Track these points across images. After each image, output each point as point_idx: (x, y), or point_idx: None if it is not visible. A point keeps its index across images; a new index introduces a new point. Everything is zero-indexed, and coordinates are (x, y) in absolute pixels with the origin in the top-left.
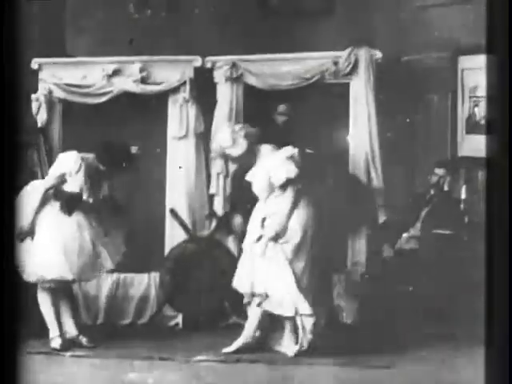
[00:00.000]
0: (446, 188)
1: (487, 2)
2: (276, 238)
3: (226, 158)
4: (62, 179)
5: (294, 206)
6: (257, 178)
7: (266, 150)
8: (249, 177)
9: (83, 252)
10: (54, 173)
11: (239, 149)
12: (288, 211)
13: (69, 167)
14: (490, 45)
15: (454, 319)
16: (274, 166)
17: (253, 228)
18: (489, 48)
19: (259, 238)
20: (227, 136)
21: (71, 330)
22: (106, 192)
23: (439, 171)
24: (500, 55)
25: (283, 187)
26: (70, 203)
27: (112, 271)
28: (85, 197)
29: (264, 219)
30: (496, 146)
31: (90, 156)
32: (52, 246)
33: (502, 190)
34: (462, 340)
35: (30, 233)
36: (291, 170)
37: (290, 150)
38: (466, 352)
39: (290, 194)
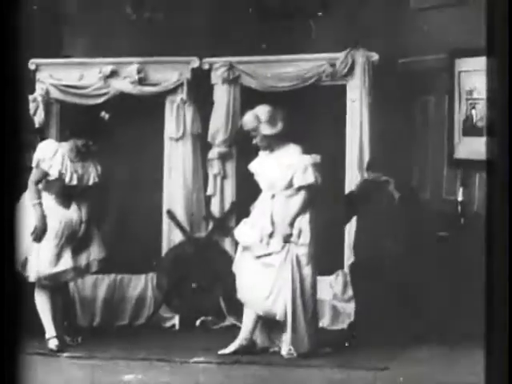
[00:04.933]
0: (395, 195)
1: (487, 4)
2: (288, 237)
3: (251, 135)
4: (40, 168)
5: (305, 208)
6: (272, 172)
7: (293, 149)
8: (256, 167)
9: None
10: (34, 164)
11: (274, 129)
12: (298, 212)
13: (42, 153)
14: (490, 47)
15: (453, 320)
16: (301, 168)
17: (260, 223)
18: (489, 50)
19: (271, 235)
20: (267, 112)
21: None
22: (96, 179)
23: (372, 175)
24: (500, 57)
25: (299, 189)
26: (60, 191)
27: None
28: (67, 180)
29: (272, 216)
30: (496, 149)
31: (69, 142)
32: (46, 241)
33: (502, 193)
34: (462, 340)
35: (44, 229)
36: (317, 177)
37: (316, 157)
38: (466, 352)
39: (301, 196)
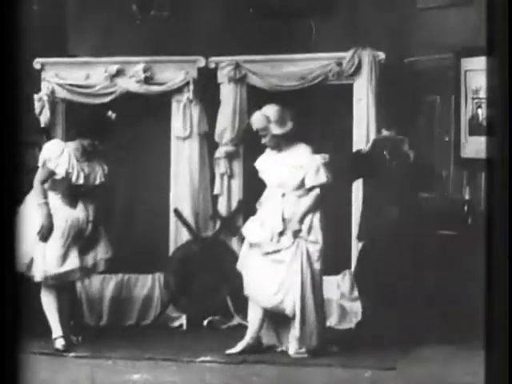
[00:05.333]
0: (410, 155)
1: (487, 3)
2: (297, 233)
3: (260, 134)
4: (46, 168)
5: (316, 207)
6: (283, 172)
7: (303, 149)
8: (263, 166)
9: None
10: (40, 164)
11: (284, 128)
12: (308, 210)
13: (48, 153)
14: (491, 46)
15: (453, 319)
16: (312, 168)
17: (270, 222)
18: (489, 50)
19: (281, 233)
20: (276, 111)
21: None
22: (102, 179)
23: (386, 133)
24: (501, 57)
25: (311, 189)
26: (67, 191)
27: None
28: (73, 179)
29: (283, 215)
30: (497, 148)
31: (75, 141)
32: (53, 240)
33: (503, 192)
34: (462, 340)
35: (51, 229)
36: (329, 176)
37: (325, 156)
38: (466, 352)
39: (313, 195)
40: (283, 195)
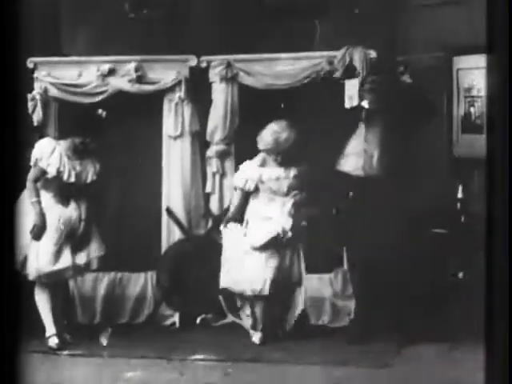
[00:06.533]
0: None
1: (488, 2)
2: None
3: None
4: (38, 167)
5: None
6: (288, 184)
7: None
8: (264, 175)
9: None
10: (32, 163)
11: (296, 143)
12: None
13: (40, 152)
14: (491, 44)
15: (453, 319)
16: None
17: (279, 224)
18: (489, 47)
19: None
20: (287, 127)
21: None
22: (94, 177)
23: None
24: (500, 55)
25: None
26: (59, 189)
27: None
28: (65, 178)
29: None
30: (496, 146)
31: (67, 140)
32: (46, 238)
33: (502, 190)
34: (462, 340)
35: (43, 227)
36: None
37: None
38: (466, 352)
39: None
40: (284, 203)
